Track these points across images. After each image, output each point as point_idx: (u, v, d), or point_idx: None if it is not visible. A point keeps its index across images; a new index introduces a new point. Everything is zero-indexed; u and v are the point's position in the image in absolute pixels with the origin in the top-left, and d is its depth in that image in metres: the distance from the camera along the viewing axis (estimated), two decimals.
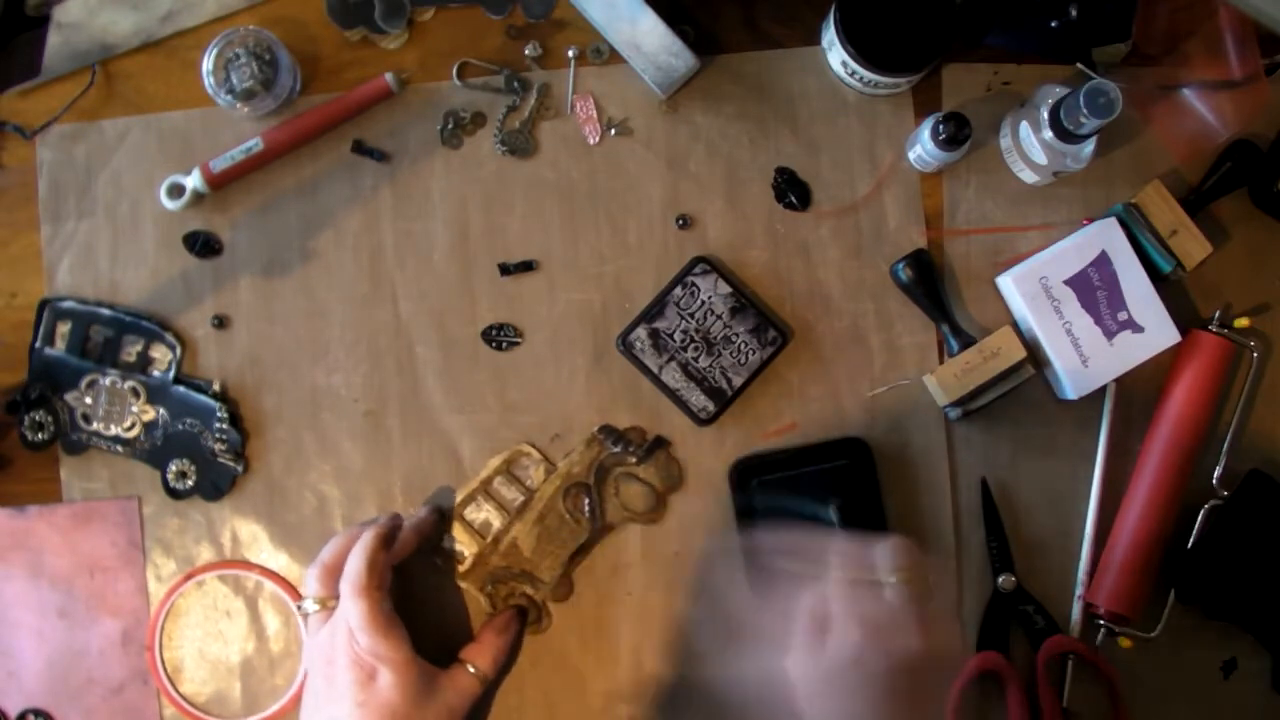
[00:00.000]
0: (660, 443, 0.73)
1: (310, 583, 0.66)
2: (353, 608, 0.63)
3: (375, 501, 0.73)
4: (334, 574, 0.66)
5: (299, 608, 0.67)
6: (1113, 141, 0.74)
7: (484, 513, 0.73)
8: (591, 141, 0.75)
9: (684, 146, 0.75)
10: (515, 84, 0.74)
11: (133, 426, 0.74)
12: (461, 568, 0.72)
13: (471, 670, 0.68)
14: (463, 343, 0.74)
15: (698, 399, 0.72)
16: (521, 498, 0.72)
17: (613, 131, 0.75)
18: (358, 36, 0.74)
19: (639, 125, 0.75)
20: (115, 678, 0.73)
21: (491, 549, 0.72)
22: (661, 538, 0.73)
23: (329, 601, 0.65)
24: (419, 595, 0.71)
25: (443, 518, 0.72)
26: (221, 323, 0.74)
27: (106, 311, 0.74)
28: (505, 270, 0.74)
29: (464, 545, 0.72)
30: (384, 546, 0.65)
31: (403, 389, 0.74)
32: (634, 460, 0.72)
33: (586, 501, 0.72)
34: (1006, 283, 0.73)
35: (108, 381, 0.74)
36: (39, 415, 0.73)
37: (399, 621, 0.64)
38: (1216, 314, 0.73)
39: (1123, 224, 0.71)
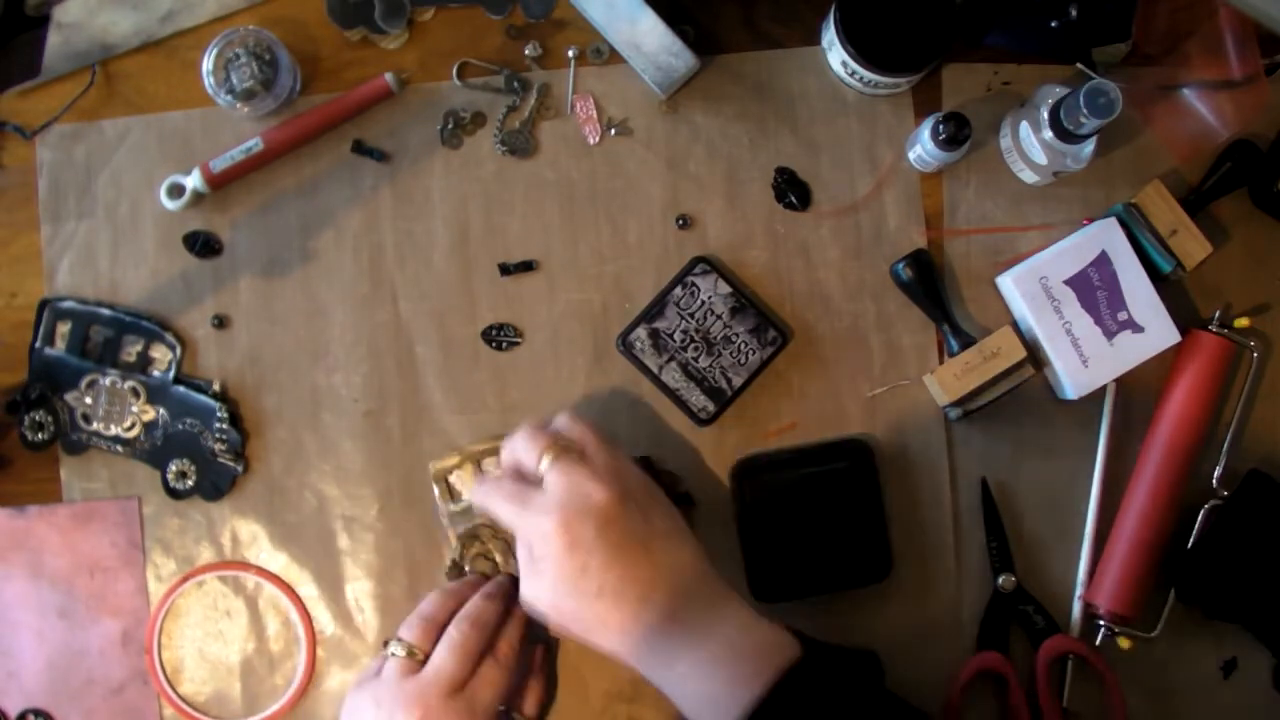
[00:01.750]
0: (686, 499, 0.72)
1: (411, 630, 0.65)
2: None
3: (375, 501, 0.73)
4: (437, 629, 0.64)
5: (385, 645, 0.65)
6: (1113, 141, 0.74)
7: (501, 470, 0.72)
8: (591, 141, 0.75)
9: (684, 146, 0.75)
10: (515, 84, 0.74)
11: (133, 426, 0.74)
12: (453, 508, 0.72)
13: None
14: (463, 343, 0.74)
15: (698, 399, 0.72)
16: None
17: (613, 131, 0.75)
18: (358, 36, 0.74)
19: (639, 125, 0.75)
20: (115, 678, 0.73)
21: None
22: None
23: (419, 655, 0.64)
24: None
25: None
26: (221, 323, 0.74)
27: (106, 311, 0.74)
28: (505, 270, 0.74)
29: (466, 489, 0.72)
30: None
31: (403, 389, 0.74)
32: None
33: None
34: (1006, 283, 0.73)
35: (108, 381, 0.74)
36: (39, 415, 0.73)
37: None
38: (1216, 314, 0.73)
39: (1123, 224, 0.71)
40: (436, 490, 0.72)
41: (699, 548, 0.62)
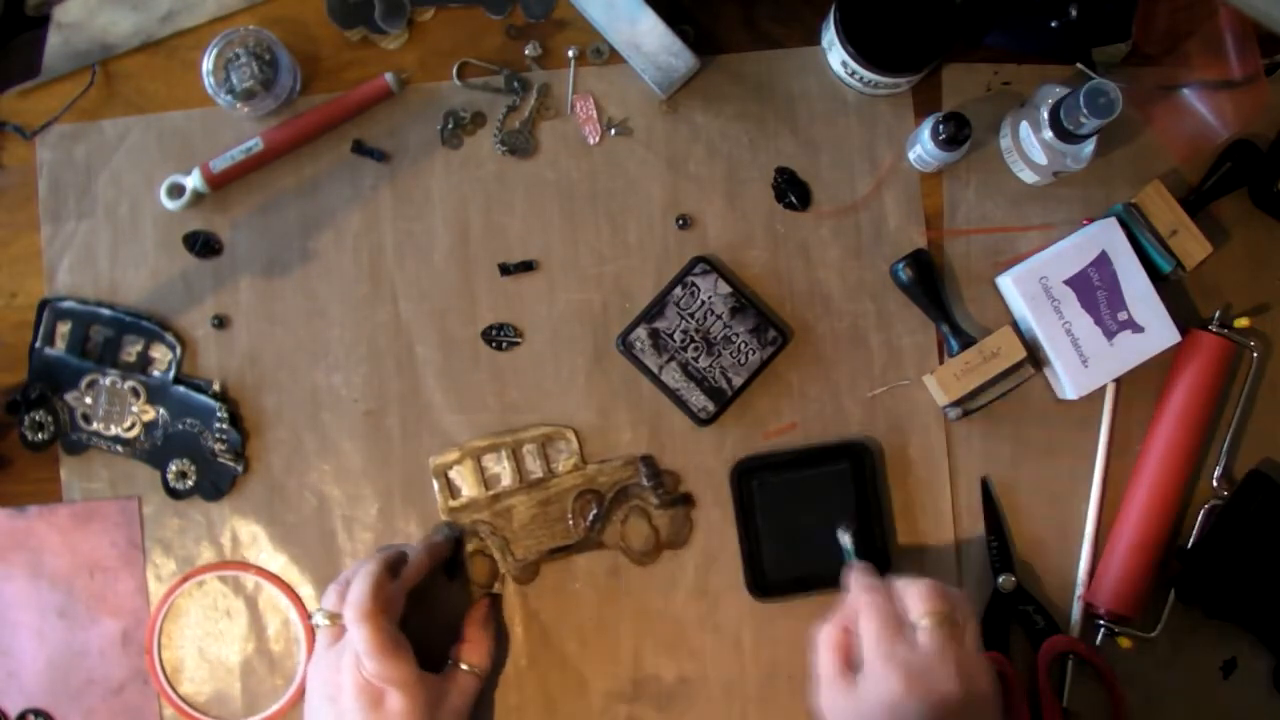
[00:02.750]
0: (686, 499, 0.73)
1: (329, 597, 0.66)
2: (358, 632, 0.62)
3: (375, 501, 0.73)
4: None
5: (311, 617, 0.67)
6: (1113, 141, 0.74)
7: (501, 467, 0.73)
8: (591, 141, 0.75)
9: (684, 146, 0.75)
10: (515, 84, 0.74)
11: (133, 426, 0.74)
12: (453, 503, 0.72)
13: (470, 669, 0.68)
14: (463, 343, 0.74)
15: (698, 399, 0.72)
16: (540, 475, 0.73)
17: (613, 131, 0.75)
18: (358, 36, 0.74)
19: (639, 125, 0.75)
20: (115, 678, 0.73)
21: (488, 503, 0.72)
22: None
23: (339, 619, 0.65)
24: (419, 600, 0.71)
25: (459, 543, 0.72)
26: (221, 323, 0.74)
27: (106, 311, 0.74)
28: (505, 270, 0.74)
29: (466, 485, 0.72)
30: (389, 572, 0.65)
31: (403, 389, 0.74)
32: (654, 502, 0.72)
33: (594, 511, 0.72)
34: (1006, 283, 0.73)
35: (108, 381, 0.74)
36: (39, 415, 0.73)
37: (405, 642, 0.64)
38: (1216, 314, 0.73)
39: (1123, 224, 0.71)
40: (436, 485, 0.73)
41: None
